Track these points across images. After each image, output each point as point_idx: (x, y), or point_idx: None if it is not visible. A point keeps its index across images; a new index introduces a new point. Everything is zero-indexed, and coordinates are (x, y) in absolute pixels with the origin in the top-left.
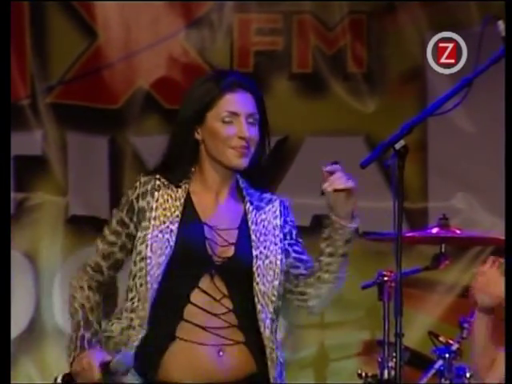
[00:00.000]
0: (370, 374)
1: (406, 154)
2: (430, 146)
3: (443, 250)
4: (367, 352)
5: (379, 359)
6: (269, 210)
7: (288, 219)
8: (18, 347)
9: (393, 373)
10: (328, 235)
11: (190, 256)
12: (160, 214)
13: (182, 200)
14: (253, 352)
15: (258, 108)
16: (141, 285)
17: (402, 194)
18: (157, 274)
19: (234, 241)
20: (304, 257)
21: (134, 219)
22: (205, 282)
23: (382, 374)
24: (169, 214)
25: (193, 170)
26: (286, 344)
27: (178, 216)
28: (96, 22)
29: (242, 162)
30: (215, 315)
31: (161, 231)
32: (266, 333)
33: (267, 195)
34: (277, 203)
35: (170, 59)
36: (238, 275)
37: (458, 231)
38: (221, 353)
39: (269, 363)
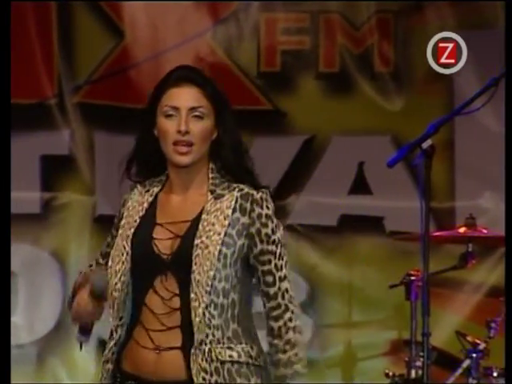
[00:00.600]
0: (397, 374)
1: (433, 153)
2: (457, 146)
3: (470, 249)
4: (394, 351)
5: (406, 359)
6: (226, 199)
7: (254, 215)
8: (45, 347)
9: (420, 372)
10: None
11: (141, 259)
12: (125, 222)
13: (145, 205)
14: (186, 356)
15: (210, 100)
16: (110, 293)
17: (429, 193)
18: (114, 282)
19: (182, 234)
20: (272, 290)
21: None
22: (158, 283)
23: (409, 373)
24: (131, 220)
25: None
26: (313, 343)
27: (136, 221)
28: (123, 22)
29: (183, 159)
30: (157, 317)
31: (122, 239)
32: (196, 320)
33: (243, 186)
34: (236, 192)
35: (196, 58)
36: (183, 269)
37: (485, 230)
38: (157, 357)
39: (202, 363)
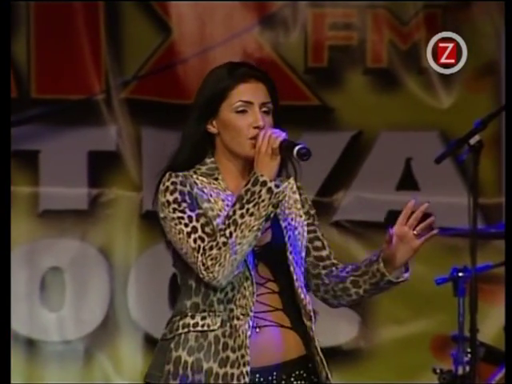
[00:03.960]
0: (444, 370)
1: (480, 149)
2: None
3: None
4: (442, 347)
5: (454, 355)
6: (286, 187)
7: (303, 198)
8: (93, 343)
9: (467, 368)
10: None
11: None
12: (221, 207)
13: (229, 193)
14: (300, 334)
15: (271, 97)
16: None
17: (477, 189)
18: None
19: (268, 225)
20: (324, 253)
21: (200, 206)
22: (252, 271)
23: (456, 369)
24: (221, 210)
25: (212, 163)
26: (360, 338)
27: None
28: (170, 18)
29: None
30: (258, 300)
31: None
32: (306, 300)
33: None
34: (292, 180)
35: (244, 54)
36: (277, 256)
37: None
38: (264, 333)
39: (313, 330)
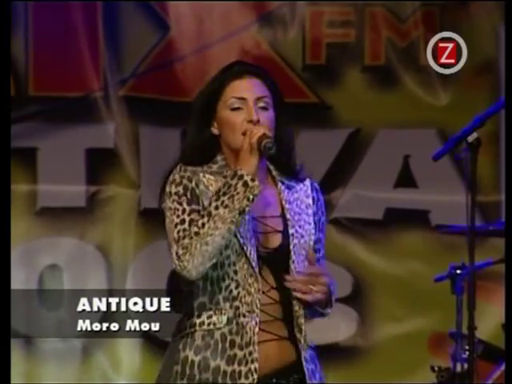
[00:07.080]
0: (443, 368)
1: (478, 146)
2: (503, 138)
3: None
4: (439, 345)
5: (452, 352)
6: (300, 189)
7: (319, 204)
8: (90, 341)
9: (465, 366)
10: None
11: (243, 248)
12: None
13: None
14: (294, 343)
15: (271, 92)
16: (235, 272)
17: (475, 186)
18: (244, 260)
19: (280, 228)
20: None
21: (201, 204)
22: (255, 268)
23: (454, 367)
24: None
25: (222, 160)
26: (358, 336)
27: None
28: (168, 15)
29: None
30: (262, 310)
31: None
32: (300, 312)
33: (296, 176)
34: (307, 182)
35: (242, 52)
36: (281, 264)
37: None
38: (264, 346)
39: (302, 342)
